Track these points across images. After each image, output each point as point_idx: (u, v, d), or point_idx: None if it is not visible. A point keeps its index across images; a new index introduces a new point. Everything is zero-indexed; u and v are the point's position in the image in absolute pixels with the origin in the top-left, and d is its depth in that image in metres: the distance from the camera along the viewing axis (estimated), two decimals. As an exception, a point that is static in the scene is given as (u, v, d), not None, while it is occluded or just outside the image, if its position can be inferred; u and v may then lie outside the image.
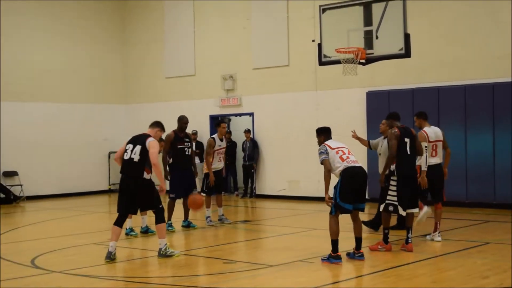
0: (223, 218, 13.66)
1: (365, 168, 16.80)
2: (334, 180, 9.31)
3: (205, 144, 19.97)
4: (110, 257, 9.57)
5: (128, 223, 11.70)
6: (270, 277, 8.46)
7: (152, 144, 9.69)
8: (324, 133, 9.64)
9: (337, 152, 9.30)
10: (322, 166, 9.32)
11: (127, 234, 11.93)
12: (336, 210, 9.15)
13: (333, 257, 9.08)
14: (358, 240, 9.35)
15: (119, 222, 9.78)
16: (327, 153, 9.29)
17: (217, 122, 13.71)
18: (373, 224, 11.98)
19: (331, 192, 9.22)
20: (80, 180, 22.08)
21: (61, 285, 8.17)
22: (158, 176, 9.68)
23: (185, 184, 12.67)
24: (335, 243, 9.09)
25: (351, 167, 9.18)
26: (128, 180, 9.74)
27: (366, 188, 9.37)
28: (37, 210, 18.05)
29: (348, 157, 9.27)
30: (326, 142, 9.46)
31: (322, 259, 9.21)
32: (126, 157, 9.76)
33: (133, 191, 9.71)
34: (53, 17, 21.73)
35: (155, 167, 9.56)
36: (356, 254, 9.37)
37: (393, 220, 11.31)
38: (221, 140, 13.41)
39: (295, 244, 10.99)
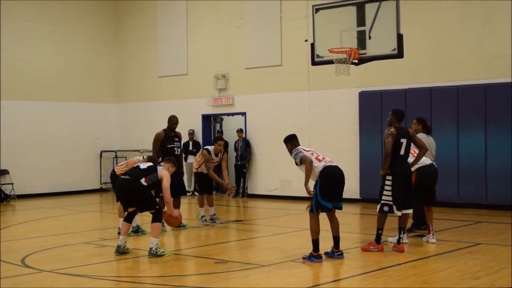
0: (215, 218, 13.64)
1: (357, 168, 17.13)
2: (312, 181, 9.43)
3: (201, 144, 20.23)
4: (119, 251, 9.95)
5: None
6: (262, 277, 8.44)
7: (165, 175, 10.01)
8: (290, 141, 9.75)
9: (312, 154, 9.44)
10: (301, 168, 9.44)
11: (134, 231, 12.02)
12: (317, 209, 9.20)
13: (314, 256, 9.18)
14: (336, 239, 9.43)
15: (128, 218, 10.13)
16: (303, 152, 9.41)
17: (215, 138, 13.84)
18: (417, 225, 11.72)
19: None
20: (72, 179, 22.01)
21: (51, 285, 8.13)
22: (168, 207, 10.12)
23: (175, 184, 12.61)
24: (316, 243, 9.18)
25: (329, 166, 9.29)
26: (124, 179, 9.97)
27: (343, 187, 9.43)
28: (27, 209, 17.97)
29: (324, 158, 9.42)
30: (298, 147, 9.58)
31: (303, 257, 9.29)
32: (135, 164, 10.34)
33: (126, 191, 9.91)
34: (46, 16, 21.65)
35: (167, 205, 10.06)
36: (335, 253, 9.43)
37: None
38: (216, 155, 13.41)
39: (287, 244, 10.98)
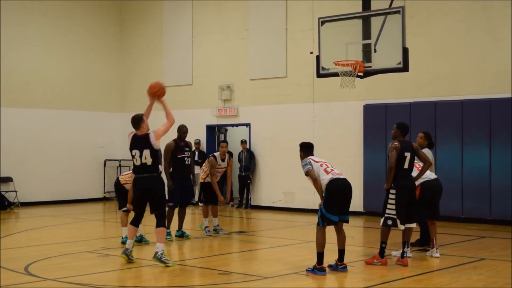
0: (218, 229, 13.63)
1: (361, 180, 17.11)
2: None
3: (206, 154, 20.18)
4: (126, 253, 9.94)
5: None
6: (265, 289, 8.43)
7: (156, 134, 9.89)
8: (305, 149, 9.78)
9: (321, 165, 9.45)
10: (309, 179, 9.46)
11: (137, 241, 11.90)
12: (324, 222, 9.19)
13: (318, 269, 9.17)
14: (341, 252, 9.42)
15: (134, 221, 10.09)
16: (311, 165, 9.42)
17: (218, 142, 13.86)
18: (422, 242, 11.64)
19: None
20: (75, 188, 22.02)
21: (54, 293, 8.14)
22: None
23: (184, 193, 12.68)
24: (320, 255, 9.18)
25: (336, 179, 9.29)
26: (144, 178, 9.91)
27: (351, 200, 9.44)
28: (31, 216, 17.98)
29: (332, 170, 9.42)
30: (309, 157, 9.61)
31: (307, 270, 9.27)
32: (137, 163, 9.97)
33: (148, 187, 9.90)
34: (51, 24, 21.72)
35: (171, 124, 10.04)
36: (339, 266, 9.42)
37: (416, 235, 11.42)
38: (223, 160, 13.41)
39: (290, 256, 10.97)
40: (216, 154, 13.46)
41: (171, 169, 12.60)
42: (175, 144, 12.64)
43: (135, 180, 10.15)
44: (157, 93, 10.42)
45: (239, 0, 20.36)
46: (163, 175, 10.80)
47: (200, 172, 13.76)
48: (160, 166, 10.08)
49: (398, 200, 9.89)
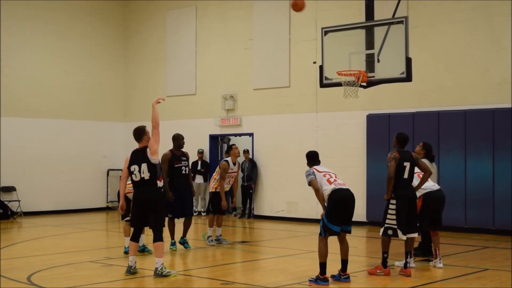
0: (221, 239, 13.60)
1: (364, 190, 17.07)
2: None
3: (210, 164, 20.20)
4: (130, 271, 9.80)
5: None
6: (268, 299, 8.40)
7: (151, 149, 9.76)
8: (310, 158, 9.83)
9: (324, 176, 9.46)
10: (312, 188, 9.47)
11: (140, 251, 11.84)
12: (325, 232, 9.19)
13: (321, 279, 9.15)
14: (344, 262, 9.41)
15: (134, 237, 9.97)
16: (314, 175, 9.44)
17: (229, 146, 13.86)
18: (425, 251, 11.62)
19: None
20: (78, 197, 22.02)
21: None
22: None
23: (183, 203, 12.63)
24: (323, 266, 9.17)
25: (339, 189, 9.30)
26: (142, 191, 9.80)
27: (353, 210, 9.42)
28: (34, 226, 17.98)
29: (335, 180, 9.43)
30: (313, 167, 9.63)
31: (309, 280, 9.26)
32: (136, 178, 9.84)
33: (147, 198, 9.78)
34: (54, 34, 21.79)
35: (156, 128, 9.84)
36: (342, 276, 9.41)
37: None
38: (234, 164, 13.39)
39: (293, 266, 10.95)
40: (228, 159, 13.43)
41: (168, 180, 12.53)
42: (171, 154, 12.62)
43: (134, 195, 10.05)
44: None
45: (242, 8, 20.41)
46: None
47: (211, 182, 13.66)
48: (159, 181, 9.95)
49: (399, 210, 9.88)
